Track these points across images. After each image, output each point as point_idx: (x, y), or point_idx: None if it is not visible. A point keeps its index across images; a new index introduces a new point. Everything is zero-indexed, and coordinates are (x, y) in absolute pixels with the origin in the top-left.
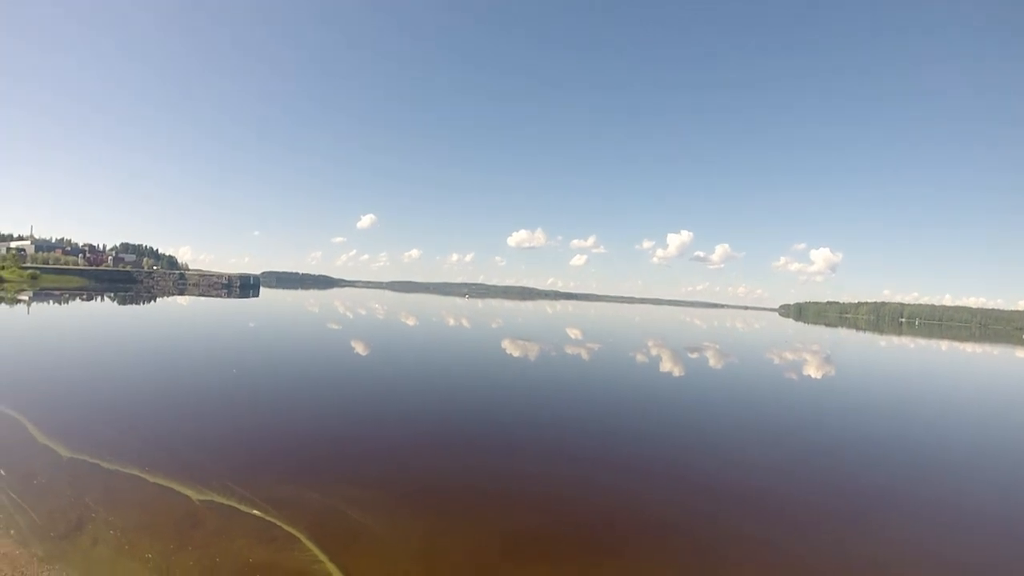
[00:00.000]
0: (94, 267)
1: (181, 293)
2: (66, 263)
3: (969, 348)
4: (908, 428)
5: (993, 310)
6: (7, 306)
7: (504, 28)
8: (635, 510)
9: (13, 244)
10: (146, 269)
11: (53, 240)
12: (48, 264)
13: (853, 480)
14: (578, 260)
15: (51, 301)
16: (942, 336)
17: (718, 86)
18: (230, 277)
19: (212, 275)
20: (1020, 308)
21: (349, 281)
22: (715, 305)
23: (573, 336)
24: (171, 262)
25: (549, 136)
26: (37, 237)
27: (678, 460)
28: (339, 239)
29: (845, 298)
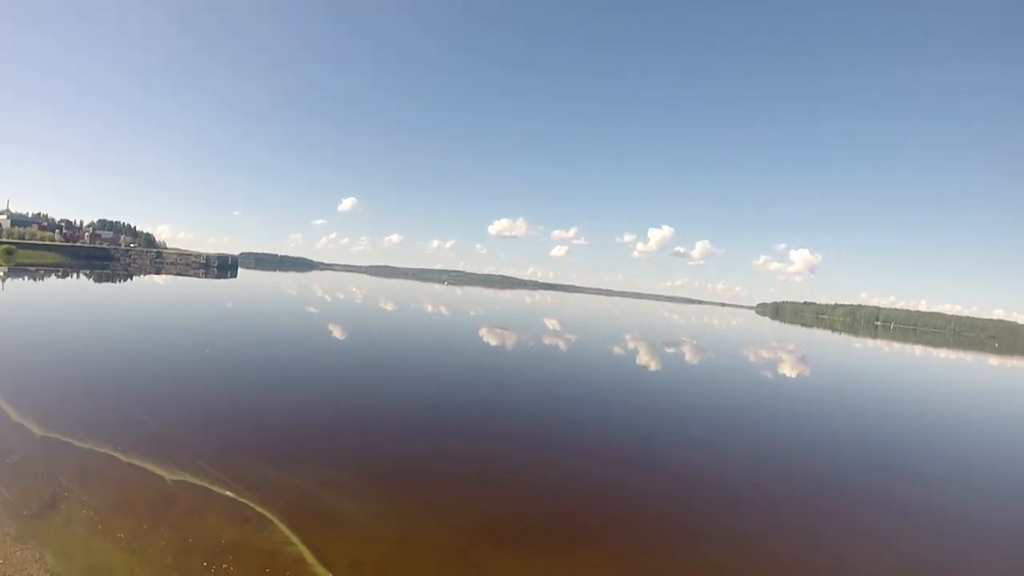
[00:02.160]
0: (71, 243)
1: (158, 272)
2: (42, 239)
3: (942, 354)
4: (880, 429)
5: (967, 318)
6: None
7: (489, 19)
8: (612, 499)
9: None
10: (123, 247)
11: (29, 215)
12: (24, 239)
13: (825, 477)
14: (559, 251)
15: (26, 277)
16: (916, 341)
17: (705, 83)
18: (208, 257)
19: (190, 254)
20: (994, 317)
21: (328, 264)
22: (693, 301)
23: (552, 327)
24: (149, 240)
25: (533, 126)
26: (13, 212)
27: (655, 452)
28: (320, 222)
29: (822, 299)
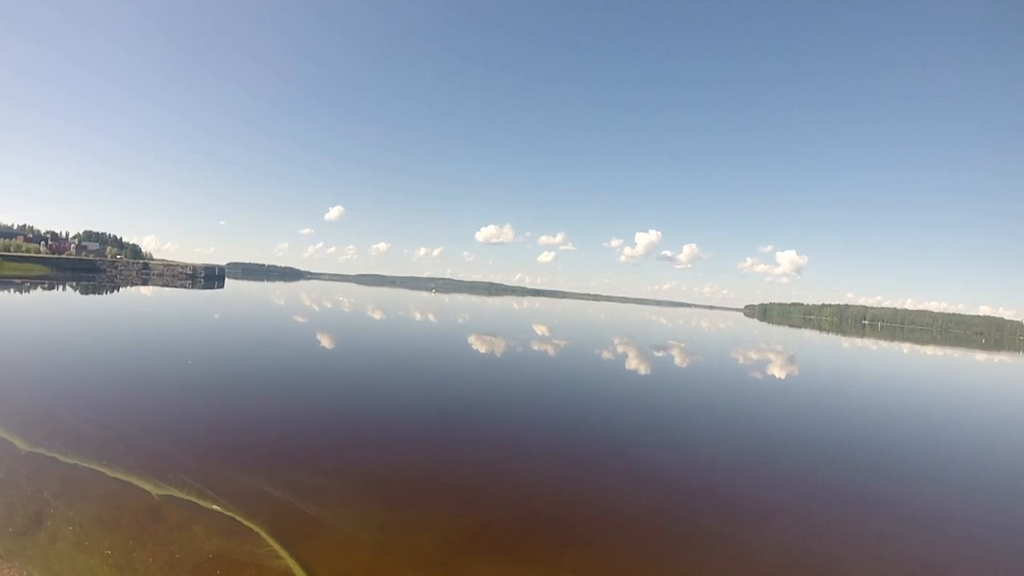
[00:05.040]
0: (56, 255)
1: (145, 283)
2: (27, 251)
3: (930, 351)
4: (870, 427)
5: (954, 315)
6: None
7: (480, 23)
8: (597, 504)
9: None
10: (109, 258)
11: (14, 227)
12: (9, 251)
13: (811, 477)
14: (546, 256)
15: (11, 290)
16: (903, 339)
17: (690, 88)
18: (195, 268)
19: (177, 265)
20: (980, 313)
21: (315, 274)
22: (681, 304)
23: (539, 333)
24: (135, 251)
25: (520, 132)
26: None
27: (642, 455)
28: (306, 231)
29: (809, 300)
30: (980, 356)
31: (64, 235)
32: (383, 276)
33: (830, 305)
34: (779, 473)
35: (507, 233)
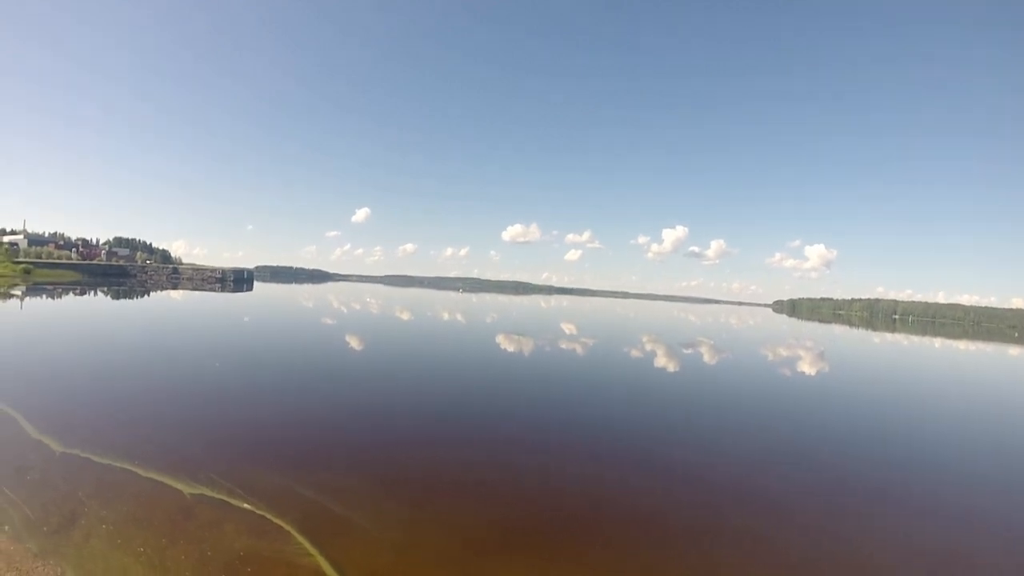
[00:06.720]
0: (87, 261)
1: (175, 287)
2: (59, 257)
3: (962, 345)
4: (899, 425)
5: (986, 308)
6: (0, 301)
7: (498, 22)
8: (623, 502)
9: (5, 238)
10: (140, 263)
11: (46, 234)
12: (41, 258)
13: (842, 474)
14: (573, 255)
15: (44, 296)
16: (935, 333)
17: (714, 82)
18: (224, 271)
19: (206, 269)
20: (1013, 306)
21: (343, 275)
22: (709, 301)
23: (567, 331)
24: (165, 256)
25: (544, 130)
26: (30, 231)
27: (668, 453)
28: (333, 233)
29: (839, 294)
30: (1013, 350)
31: (95, 242)
32: (411, 276)
33: (860, 299)
34: (806, 469)
35: (533, 232)
